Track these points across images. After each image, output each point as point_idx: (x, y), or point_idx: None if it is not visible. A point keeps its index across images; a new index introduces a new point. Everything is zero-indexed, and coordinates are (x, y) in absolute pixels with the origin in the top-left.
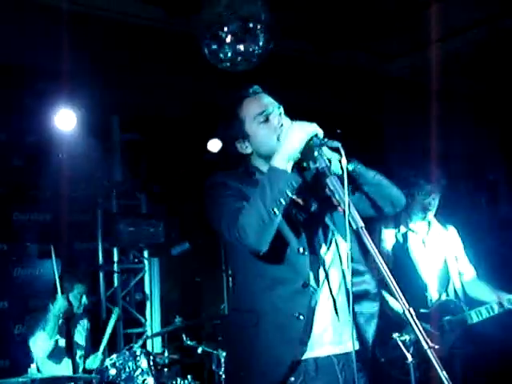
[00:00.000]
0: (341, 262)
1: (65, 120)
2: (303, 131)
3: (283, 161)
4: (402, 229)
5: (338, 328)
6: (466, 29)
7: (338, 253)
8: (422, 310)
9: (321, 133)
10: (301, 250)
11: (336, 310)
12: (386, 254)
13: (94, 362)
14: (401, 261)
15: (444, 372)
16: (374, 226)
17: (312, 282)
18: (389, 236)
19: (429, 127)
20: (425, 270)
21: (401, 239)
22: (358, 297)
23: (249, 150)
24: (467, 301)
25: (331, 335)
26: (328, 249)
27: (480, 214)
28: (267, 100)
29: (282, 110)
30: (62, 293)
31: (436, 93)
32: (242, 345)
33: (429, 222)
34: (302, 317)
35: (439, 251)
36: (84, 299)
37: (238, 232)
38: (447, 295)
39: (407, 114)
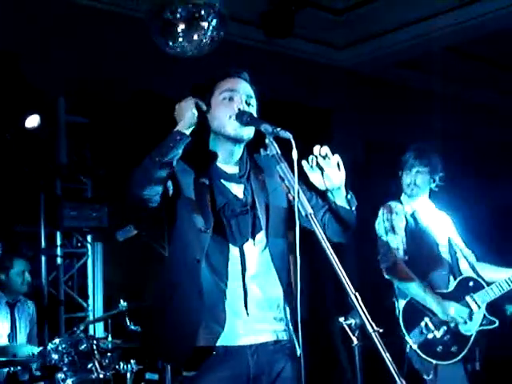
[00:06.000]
0: (271, 258)
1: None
2: (186, 109)
3: (179, 129)
4: (408, 208)
5: (249, 320)
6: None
7: (266, 249)
8: (444, 291)
9: (200, 104)
10: (202, 228)
11: (246, 301)
12: (399, 235)
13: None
14: (417, 243)
15: (387, 354)
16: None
17: (211, 262)
18: (400, 214)
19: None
20: (442, 249)
21: (412, 221)
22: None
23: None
24: None
25: (242, 326)
26: (253, 240)
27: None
28: (243, 86)
29: (253, 102)
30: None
31: (385, 83)
32: (158, 315)
33: (426, 202)
34: (200, 295)
35: (444, 230)
36: (27, 276)
37: (127, 186)
38: (460, 273)
39: (356, 104)
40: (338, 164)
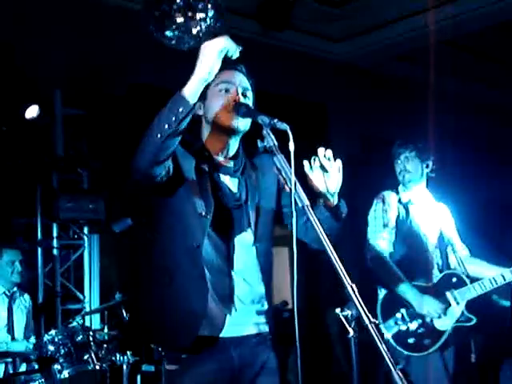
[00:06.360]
0: (257, 256)
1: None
2: (212, 49)
3: (189, 86)
4: (404, 198)
5: (233, 313)
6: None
7: (253, 246)
8: (426, 285)
9: (232, 47)
10: (203, 213)
11: (231, 295)
12: (388, 226)
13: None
14: (405, 235)
15: (384, 345)
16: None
17: (208, 246)
18: (392, 205)
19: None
20: (428, 243)
21: (403, 212)
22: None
23: (200, 112)
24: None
25: (225, 318)
26: (242, 235)
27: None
28: (239, 78)
29: (249, 95)
30: None
31: (383, 77)
32: (157, 301)
33: (423, 192)
34: (201, 276)
35: (436, 223)
36: (17, 266)
37: (133, 159)
38: (448, 268)
39: (353, 98)
40: (339, 169)
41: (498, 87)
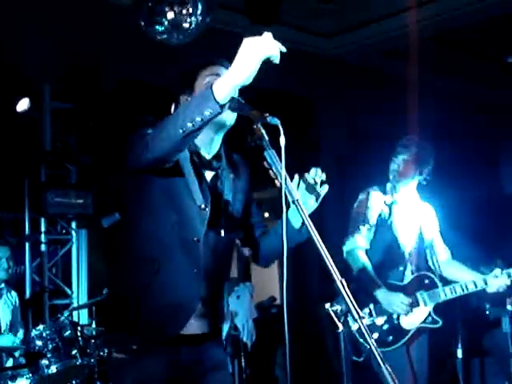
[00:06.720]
0: (218, 256)
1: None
2: (257, 53)
3: (222, 89)
4: (388, 199)
5: (201, 307)
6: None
7: (217, 246)
8: (397, 283)
9: (277, 52)
10: (202, 206)
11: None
12: (369, 224)
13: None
14: (383, 234)
15: (373, 340)
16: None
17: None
18: (375, 203)
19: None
20: (404, 244)
21: (386, 212)
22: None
23: None
24: (441, 280)
25: (196, 312)
26: (213, 234)
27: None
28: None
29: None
30: None
31: (372, 72)
32: (139, 290)
33: (410, 193)
34: (196, 270)
35: (418, 224)
36: (3, 263)
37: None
38: (423, 270)
39: (342, 93)
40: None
41: (497, 87)
